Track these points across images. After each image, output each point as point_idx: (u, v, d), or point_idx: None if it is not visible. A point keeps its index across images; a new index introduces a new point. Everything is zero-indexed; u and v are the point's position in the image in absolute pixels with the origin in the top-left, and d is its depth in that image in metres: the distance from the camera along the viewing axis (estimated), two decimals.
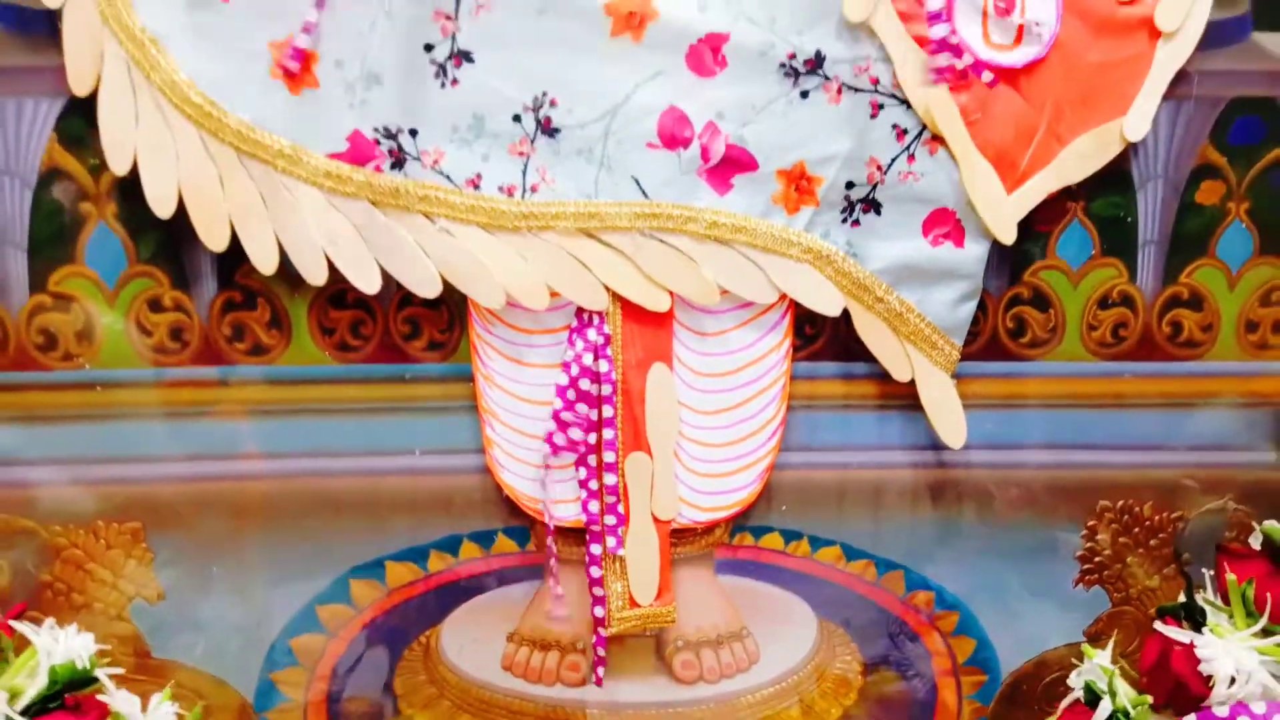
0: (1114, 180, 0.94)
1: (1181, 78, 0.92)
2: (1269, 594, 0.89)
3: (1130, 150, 0.93)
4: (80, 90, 0.86)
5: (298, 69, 0.84)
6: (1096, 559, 1.04)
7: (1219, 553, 0.96)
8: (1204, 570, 0.98)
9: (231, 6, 0.85)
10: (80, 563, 0.98)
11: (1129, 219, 0.96)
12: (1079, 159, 0.92)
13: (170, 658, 1.00)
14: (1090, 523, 1.03)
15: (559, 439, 0.94)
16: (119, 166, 0.87)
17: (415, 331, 0.95)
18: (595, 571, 0.99)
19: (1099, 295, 0.98)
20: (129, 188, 0.88)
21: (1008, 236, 0.93)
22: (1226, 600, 0.93)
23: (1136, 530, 1.03)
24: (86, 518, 0.97)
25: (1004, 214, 0.92)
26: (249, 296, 0.93)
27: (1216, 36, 0.92)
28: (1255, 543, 0.96)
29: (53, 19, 0.85)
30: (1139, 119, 0.92)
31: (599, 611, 0.99)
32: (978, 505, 1.02)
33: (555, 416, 0.94)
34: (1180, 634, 0.90)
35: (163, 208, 0.87)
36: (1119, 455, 1.02)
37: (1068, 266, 0.97)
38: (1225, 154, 0.95)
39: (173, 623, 0.99)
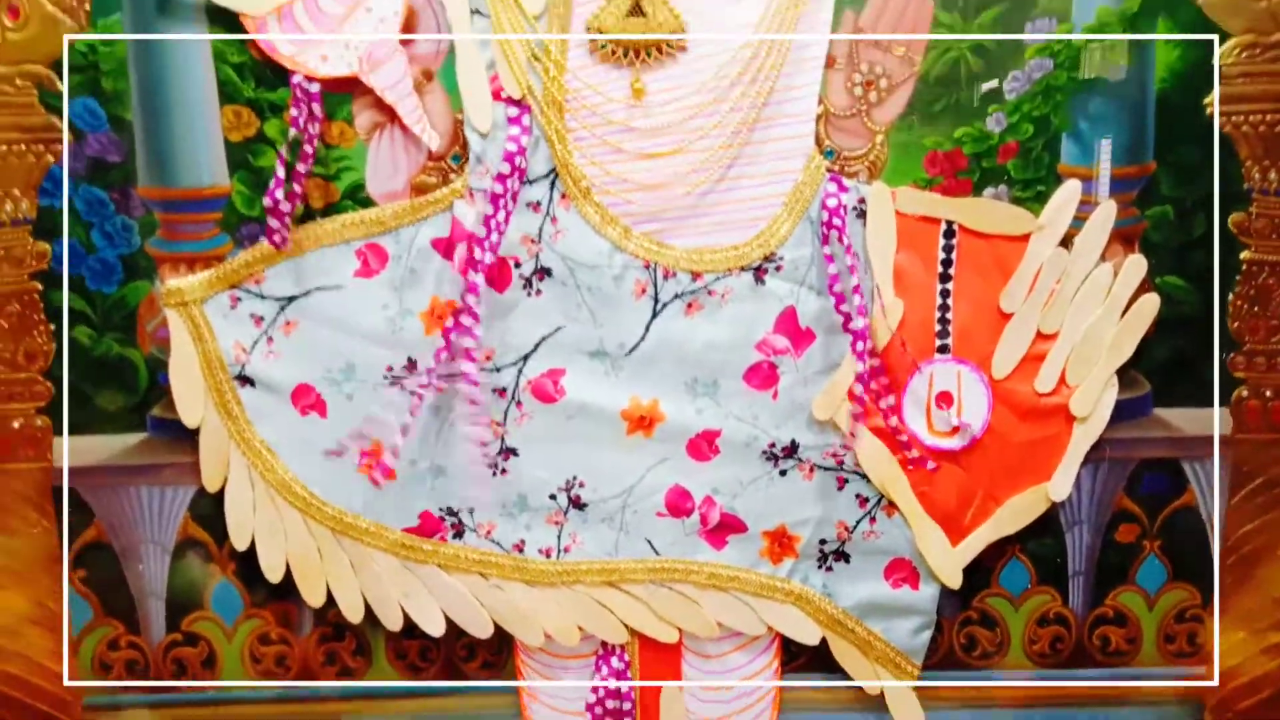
0: (1046, 526, 1.14)
1: (1097, 445, 1.12)
2: None
3: (1057, 503, 1.13)
4: (211, 488, 1.10)
5: (382, 478, 1.07)
6: None
7: None
8: None
9: (328, 421, 1.08)
10: None
11: (1059, 559, 1.15)
12: (1014, 515, 1.12)
13: None
14: None
15: None
16: (240, 543, 1.10)
17: (471, 655, 1.17)
18: None
19: (1037, 616, 1.17)
20: (245, 552, 1.12)
21: (954, 582, 1.12)
22: None
23: None
24: None
25: (951, 564, 1.12)
26: (338, 630, 1.16)
27: (1124, 412, 1.12)
28: None
29: (192, 432, 1.09)
30: (1062, 483, 1.11)
31: None
32: None
33: None
34: None
35: (274, 575, 1.11)
36: None
37: (1009, 594, 1.16)
38: (1138, 502, 1.15)
39: None
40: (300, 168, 1.02)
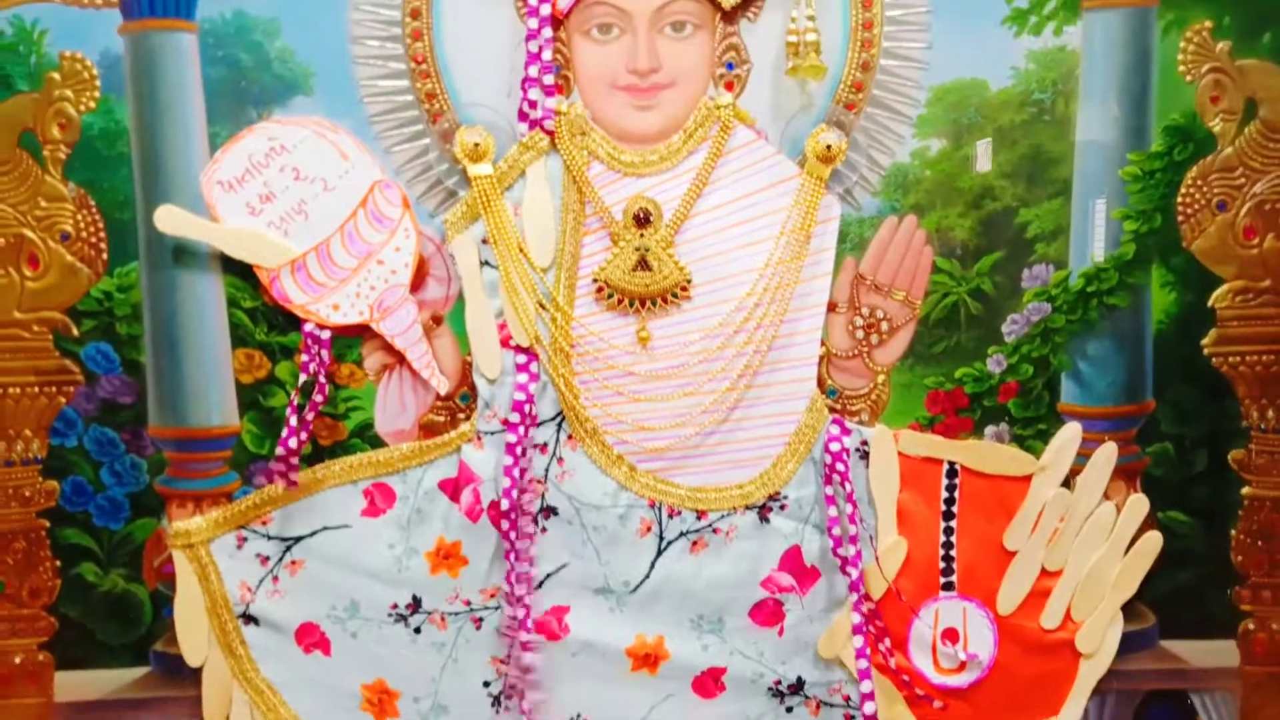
0: None
1: (1105, 676, 1.12)
2: None
3: None
4: None
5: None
6: None
7: None
8: None
9: (332, 660, 1.08)
10: None
11: None
12: None
13: None
14: None
15: None
16: None
17: None
18: None
19: None
20: None
21: None
22: None
23: None
24: None
25: None
26: None
27: (1130, 644, 1.11)
28: None
29: (195, 668, 1.08)
30: (1070, 717, 1.10)
31: None
32: None
33: None
34: None
35: None
36: None
37: None
38: None
39: None
40: (309, 415, 1.04)
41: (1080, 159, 1.06)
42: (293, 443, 1.02)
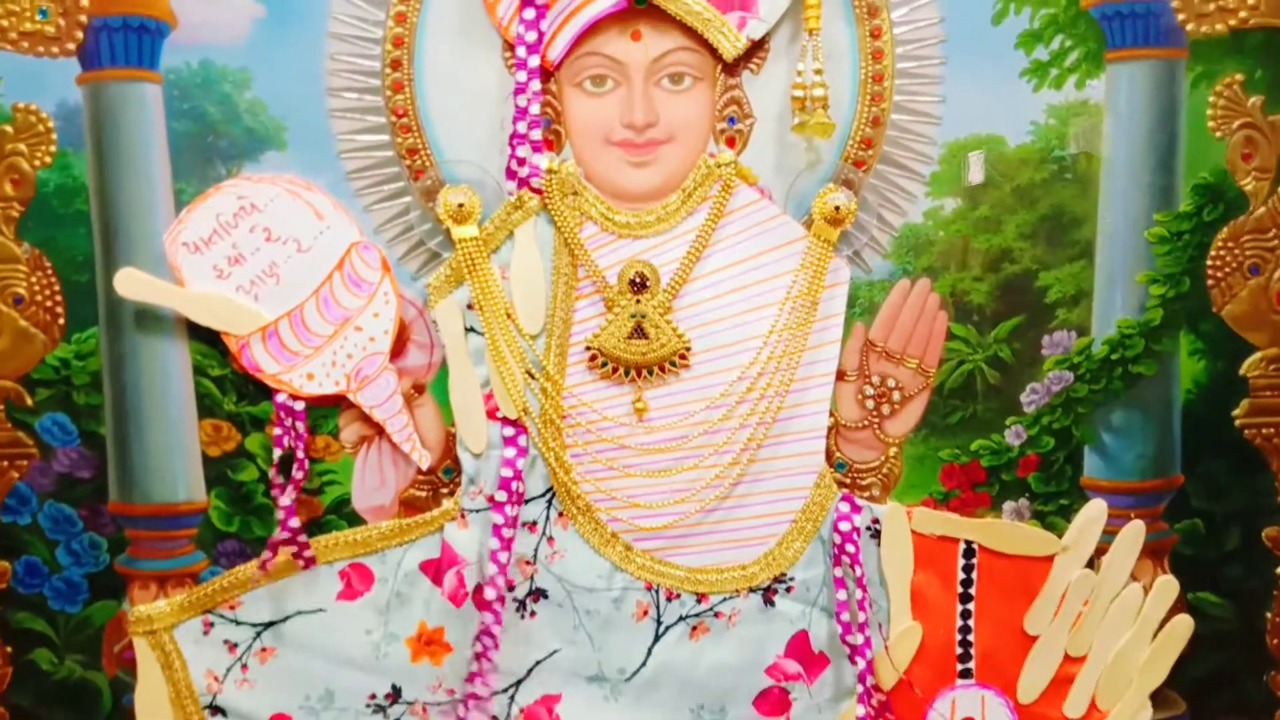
0: None
1: None
2: None
3: None
4: None
5: None
6: None
7: None
8: None
9: None
10: None
11: None
12: None
13: None
14: None
15: None
16: None
17: None
18: None
19: None
20: None
21: None
22: None
23: None
24: None
25: None
26: None
27: None
28: None
29: None
30: None
31: None
32: None
33: None
34: None
35: None
36: None
37: None
38: None
39: None
40: (289, 495, 0.96)
41: (1104, 219, 1.00)
42: (294, 522, 0.96)
